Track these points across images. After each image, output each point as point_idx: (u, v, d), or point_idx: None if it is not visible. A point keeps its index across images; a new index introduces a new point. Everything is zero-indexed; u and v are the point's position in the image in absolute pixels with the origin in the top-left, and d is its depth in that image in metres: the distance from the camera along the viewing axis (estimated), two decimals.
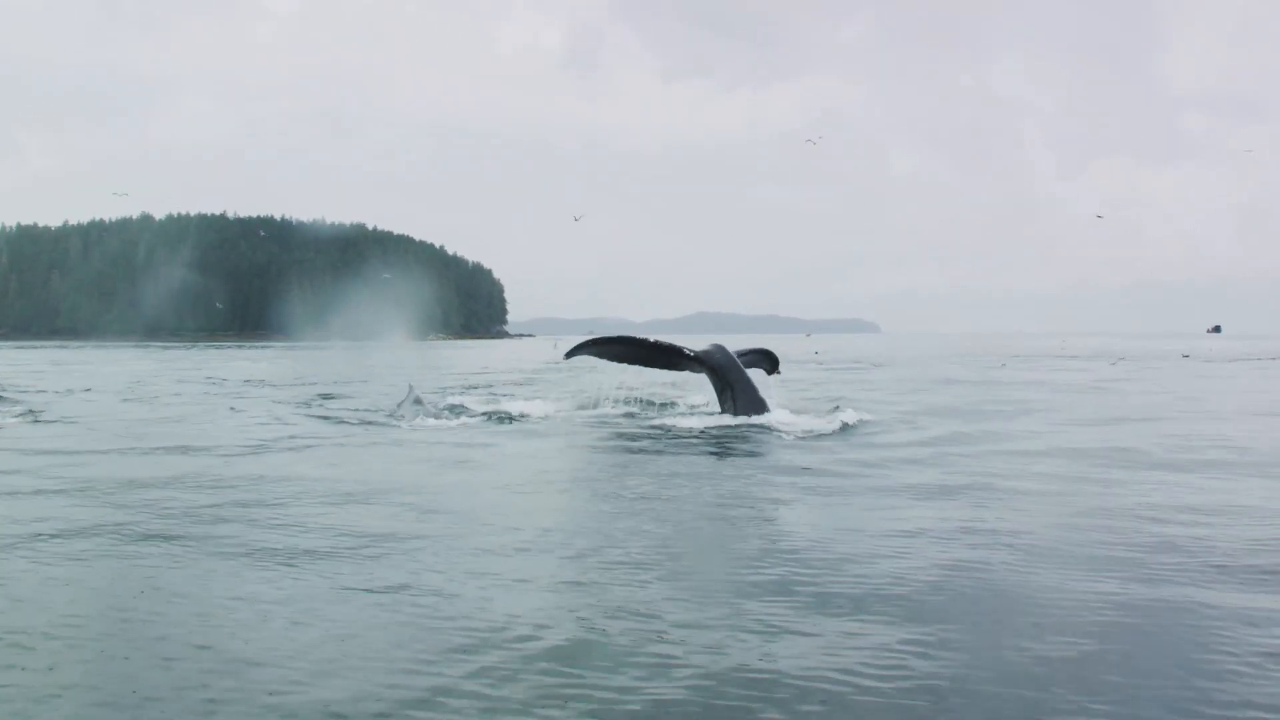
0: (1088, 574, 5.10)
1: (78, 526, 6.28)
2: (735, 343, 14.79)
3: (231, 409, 16.13)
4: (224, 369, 34.75)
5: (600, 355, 13.80)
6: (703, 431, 11.76)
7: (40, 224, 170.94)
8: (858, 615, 4.39)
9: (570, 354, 13.49)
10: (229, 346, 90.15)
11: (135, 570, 5.29)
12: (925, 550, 5.60)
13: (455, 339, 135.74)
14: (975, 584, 4.95)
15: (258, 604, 4.63)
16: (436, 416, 13.63)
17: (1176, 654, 3.95)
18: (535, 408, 14.57)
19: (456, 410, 14.35)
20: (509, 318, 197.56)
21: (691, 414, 13.34)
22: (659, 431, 11.97)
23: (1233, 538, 5.99)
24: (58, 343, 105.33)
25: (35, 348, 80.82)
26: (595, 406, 14.72)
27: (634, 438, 11.50)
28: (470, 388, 21.41)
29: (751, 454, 10.19)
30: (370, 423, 13.34)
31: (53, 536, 5.99)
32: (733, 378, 13.05)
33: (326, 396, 18.43)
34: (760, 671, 3.73)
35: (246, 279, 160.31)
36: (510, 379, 25.70)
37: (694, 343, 13.97)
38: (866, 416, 13.03)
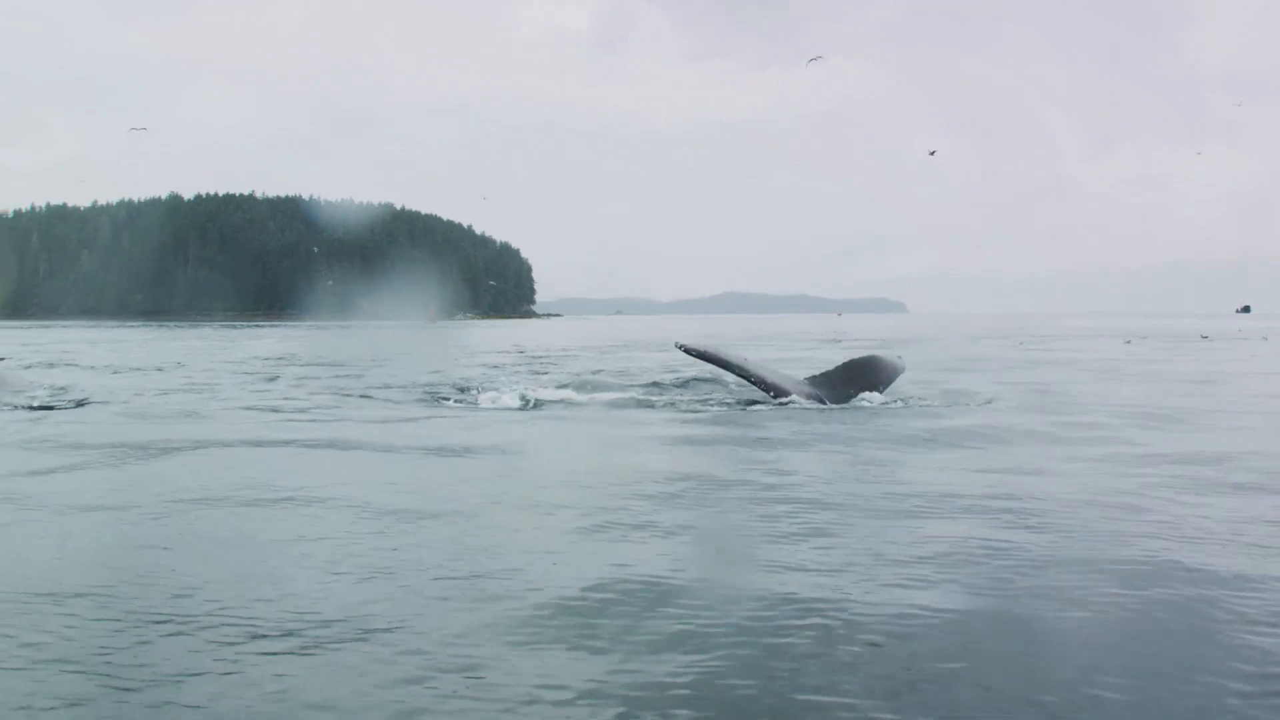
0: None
1: (130, 530, 6.04)
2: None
3: (276, 393, 16.66)
4: (258, 348, 34.79)
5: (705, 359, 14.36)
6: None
7: (70, 205, 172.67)
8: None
9: (684, 348, 13.88)
10: (258, 326, 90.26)
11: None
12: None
13: (483, 319, 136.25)
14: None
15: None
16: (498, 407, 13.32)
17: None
18: (596, 396, 14.54)
19: (521, 402, 13.73)
20: (536, 298, 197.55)
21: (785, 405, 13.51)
22: (737, 418, 12.28)
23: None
24: (89, 322, 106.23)
25: (66, 327, 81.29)
26: (657, 392, 15.05)
27: (702, 429, 11.41)
28: (518, 366, 21.82)
29: (810, 436, 10.46)
30: (434, 413, 13.02)
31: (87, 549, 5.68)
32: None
33: (371, 382, 17.91)
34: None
35: (275, 258, 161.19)
36: (558, 361, 25.58)
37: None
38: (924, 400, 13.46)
